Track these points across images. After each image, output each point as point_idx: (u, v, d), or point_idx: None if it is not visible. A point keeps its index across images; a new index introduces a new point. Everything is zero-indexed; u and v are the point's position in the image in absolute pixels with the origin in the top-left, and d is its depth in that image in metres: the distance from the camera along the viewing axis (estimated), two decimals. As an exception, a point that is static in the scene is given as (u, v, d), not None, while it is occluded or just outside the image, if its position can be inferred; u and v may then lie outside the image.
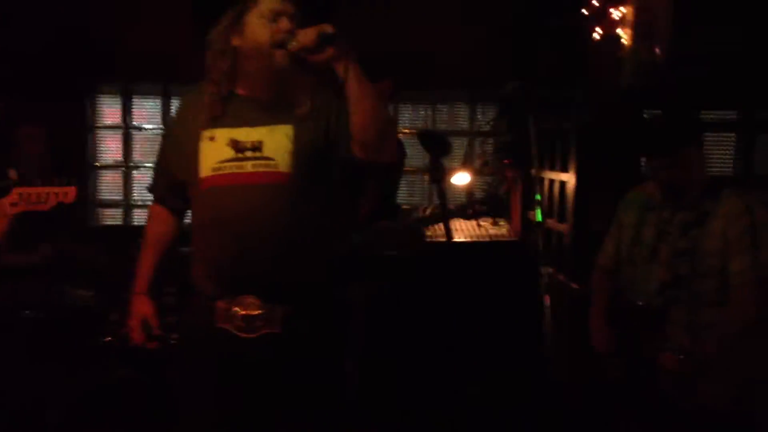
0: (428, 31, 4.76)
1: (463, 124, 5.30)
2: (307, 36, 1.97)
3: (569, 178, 4.11)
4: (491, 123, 5.08)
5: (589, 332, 2.89)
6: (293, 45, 1.99)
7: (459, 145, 5.05)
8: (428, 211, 4.52)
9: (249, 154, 2.07)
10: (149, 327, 2.27)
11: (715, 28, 3.72)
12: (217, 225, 2.08)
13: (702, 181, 2.70)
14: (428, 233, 4.29)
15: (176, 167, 2.23)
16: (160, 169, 2.35)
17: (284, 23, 2.04)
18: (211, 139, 2.10)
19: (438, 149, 2.59)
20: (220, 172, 2.08)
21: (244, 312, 2.08)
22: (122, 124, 5.23)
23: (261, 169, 2.06)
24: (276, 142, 2.08)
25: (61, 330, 3.72)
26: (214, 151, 2.09)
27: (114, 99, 5.23)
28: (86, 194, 5.13)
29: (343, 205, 2.26)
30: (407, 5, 4.76)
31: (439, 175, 2.58)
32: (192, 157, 2.11)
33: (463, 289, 4.00)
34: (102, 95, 5.22)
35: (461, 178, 4.63)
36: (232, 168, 2.07)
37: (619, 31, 3.79)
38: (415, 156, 4.67)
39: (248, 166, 2.07)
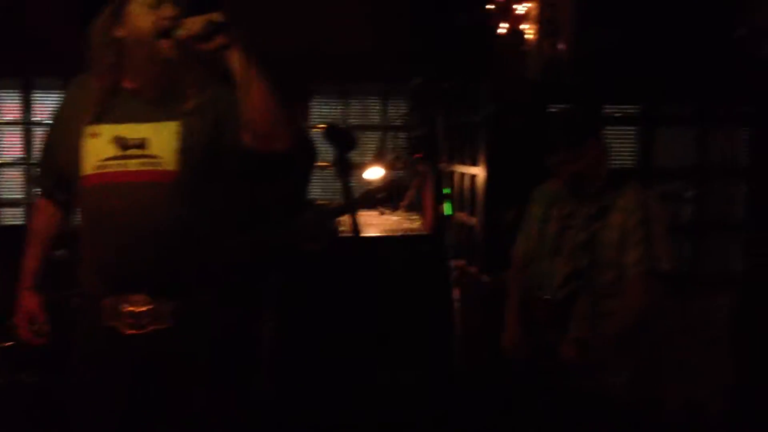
0: (339, 26, 4.73)
1: (375, 118, 5.29)
2: (194, 24, 1.92)
3: (479, 172, 4.15)
4: (403, 117, 5.10)
5: (503, 328, 2.92)
6: (180, 33, 1.93)
7: (371, 140, 5.05)
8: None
9: (133, 152, 2.01)
10: (36, 323, 2.20)
11: (617, 25, 3.82)
12: (102, 223, 2.02)
13: (605, 175, 2.75)
14: (340, 228, 4.26)
15: (61, 161, 2.14)
16: (45, 162, 2.27)
17: (168, 10, 1.98)
18: (94, 135, 2.03)
19: (343, 144, 2.57)
20: (104, 171, 2.01)
21: (131, 308, 2.03)
22: (22, 120, 5.02)
23: (146, 168, 2.00)
24: (161, 139, 2.02)
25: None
26: (97, 149, 2.02)
27: (13, 94, 5.02)
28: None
29: (240, 200, 2.21)
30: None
31: (344, 170, 2.56)
32: (75, 154, 2.04)
33: (375, 283, 3.99)
34: (0, 90, 5.00)
35: (374, 173, 4.62)
36: (115, 167, 2.01)
37: (524, 26, 3.85)
38: (327, 151, 4.63)
39: (132, 165, 2.01)
